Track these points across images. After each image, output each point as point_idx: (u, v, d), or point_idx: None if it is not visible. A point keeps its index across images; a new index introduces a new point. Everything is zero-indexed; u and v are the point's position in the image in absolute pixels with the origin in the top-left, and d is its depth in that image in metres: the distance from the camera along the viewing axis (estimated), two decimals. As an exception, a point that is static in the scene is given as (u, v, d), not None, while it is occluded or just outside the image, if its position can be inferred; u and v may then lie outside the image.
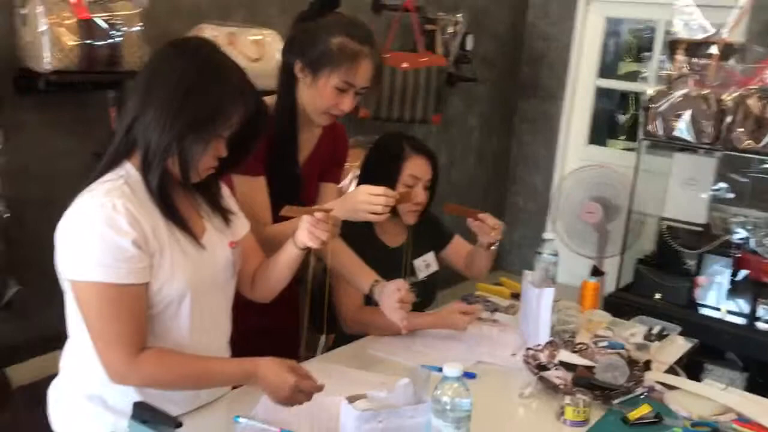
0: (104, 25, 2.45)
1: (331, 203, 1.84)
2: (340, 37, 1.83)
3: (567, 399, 1.72)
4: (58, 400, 1.60)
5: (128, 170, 1.49)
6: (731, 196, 3.35)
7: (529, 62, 5.00)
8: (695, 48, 3.14)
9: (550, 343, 2.03)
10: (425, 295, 2.32)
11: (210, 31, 2.83)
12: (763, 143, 2.91)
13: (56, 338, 1.60)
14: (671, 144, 3.22)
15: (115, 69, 2.51)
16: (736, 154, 3.09)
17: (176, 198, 1.53)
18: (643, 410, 1.75)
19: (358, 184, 2.15)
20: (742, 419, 1.76)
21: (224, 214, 1.66)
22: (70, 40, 2.37)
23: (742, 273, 3.19)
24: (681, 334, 2.35)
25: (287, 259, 1.70)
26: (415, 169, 2.17)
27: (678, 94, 3.05)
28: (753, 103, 2.89)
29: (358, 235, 2.11)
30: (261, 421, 1.57)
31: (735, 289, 3.22)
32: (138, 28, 2.53)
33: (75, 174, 1.50)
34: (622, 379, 1.85)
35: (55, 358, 1.62)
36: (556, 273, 2.27)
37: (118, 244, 1.39)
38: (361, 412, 1.39)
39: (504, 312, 2.41)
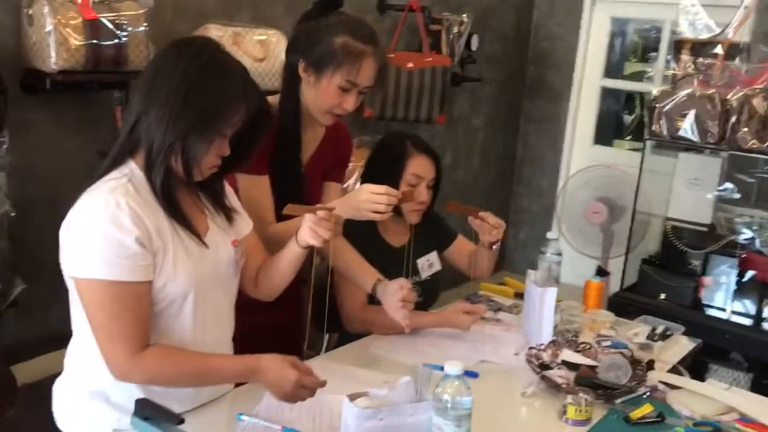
0: (110, 25, 2.45)
1: (334, 202, 1.85)
2: (343, 37, 1.84)
3: (569, 398, 1.72)
4: (63, 398, 1.62)
5: (132, 169, 1.50)
6: (737, 196, 3.35)
7: (534, 62, 4.99)
8: (700, 48, 3.13)
9: (552, 342, 2.03)
10: (428, 295, 2.33)
11: (215, 31, 2.83)
12: (768, 143, 2.91)
13: (62, 337, 1.61)
14: (676, 144, 3.22)
15: (120, 69, 2.51)
16: (741, 153, 3.09)
17: (180, 196, 1.54)
18: (646, 410, 1.75)
19: (362, 183, 2.15)
20: (745, 419, 1.75)
21: (227, 213, 1.67)
22: (76, 40, 2.37)
23: (748, 273, 3.19)
24: (685, 334, 2.35)
25: (290, 257, 1.70)
26: (418, 168, 2.18)
27: (682, 93, 3.05)
28: (758, 102, 2.88)
29: (361, 234, 2.12)
30: (263, 419, 1.58)
31: (740, 290, 3.21)
32: (143, 28, 2.54)
33: (81, 173, 1.51)
34: (625, 379, 1.85)
35: (60, 356, 1.63)
36: (559, 272, 2.28)
37: (121, 241, 1.40)
38: (362, 409, 1.40)
39: (507, 311, 2.41)
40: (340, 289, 2.17)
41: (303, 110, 1.95)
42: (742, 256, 3.19)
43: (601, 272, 3.89)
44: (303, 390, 1.51)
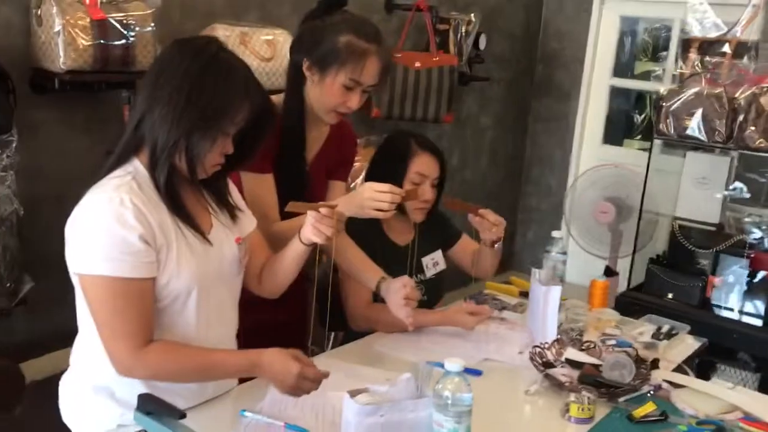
0: (118, 25, 2.48)
1: (337, 200, 1.86)
2: (347, 36, 1.85)
3: (572, 396, 1.72)
4: (68, 393, 1.63)
5: (136, 166, 1.52)
6: (746, 195, 3.33)
7: (543, 61, 4.99)
8: (708, 46, 3.12)
9: (557, 340, 2.03)
10: (432, 293, 2.33)
11: (222, 31, 2.85)
12: (775, 142, 2.89)
13: (70, 334, 1.63)
14: (683, 143, 3.20)
15: (128, 69, 2.54)
16: (749, 152, 3.07)
17: (183, 194, 1.55)
18: (649, 408, 1.74)
19: (366, 181, 2.16)
20: (749, 418, 1.75)
21: (231, 211, 1.68)
22: (84, 41, 2.40)
23: (756, 273, 3.17)
24: (692, 333, 2.34)
25: (293, 255, 1.71)
26: (422, 166, 2.18)
27: (690, 92, 3.03)
28: (765, 101, 2.87)
29: (366, 232, 2.13)
30: (266, 416, 1.59)
31: (749, 289, 3.19)
32: (151, 28, 2.56)
33: (89, 172, 1.53)
34: (629, 377, 1.85)
35: (69, 354, 1.64)
36: (564, 271, 2.28)
37: (125, 238, 1.41)
38: (362, 405, 1.40)
39: (512, 310, 2.41)
40: (344, 287, 2.18)
41: (307, 109, 1.96)
42: (751, 255, 3.17)
43: (610, 272, 3.88)
44: (306, 382, 1.52)
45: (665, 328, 2.27)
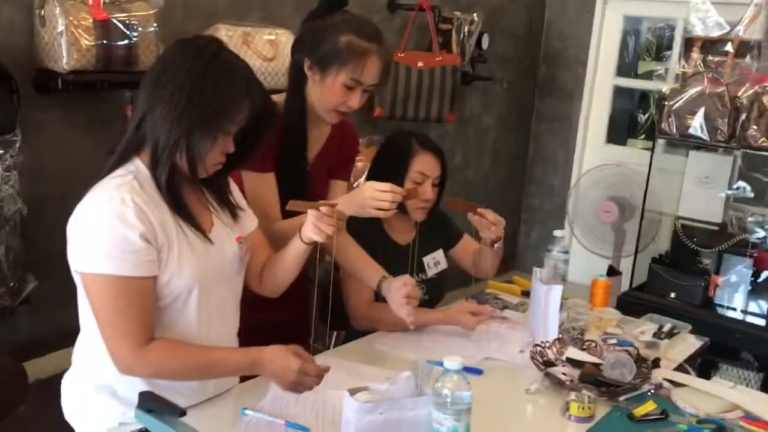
0: (121, 25, 2.48)
1: (338, 199, 1.87)
2: (347, 35, 1.85)
3: (572, 395, 1.72)
4: (70, 392, 1.64)
5: (138, 166, 1.53)
6: (750, 195, 3.33)
7: (546, 61, 4.98)
8: (711, 45, 3.12)
9: (558, 339, 2.03)
10: (434, 293, 2.34)
11: (225, 31, 2.86)
12: (778, 141, 2.89)
13: (74, 334, 1.64)
14: (685, 142, 3.20)
15: (131, 69, 2.54)
16: (752, 152, 3.07)
17: (184, 193, 1.56)
18: (649, 407, 1.75)
19: (368, 180, 2.17)
20: (750, 417, 1.75)
21: (232, 210, 1.69)
22: (87, 41, 2.40)
23: (760, 272, 3.17)
24: (695, 333, 2.34)
25: (294, 253, 1.72)
26: (423, 165, 2.19)
27: (692, 91, 3.03)
28: (768, 100, 2.87)
29: (367, 231, 2.14)
30: (267, 414, 1.60)
31: (752, 289, 3.19)
32: (154, 28, 2.56)
33: (92, 172, 1.54)
34: (630, 376, 1.85)
35: (71, 353, 1.65)
36: (566, 270, 2.28)
37: (125, 237, 1.42)
38: (362, 403, 1.41)
39: (514, 309, 2.41)
40: (345, 286, 2.19)
41: (309, 109, 1.97)
42: (754, 255, 3.17)
43: (612, 271, 3.88)
44: (307, 378, 1.53)
45: (666, 328, 2.27)
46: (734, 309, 3.22)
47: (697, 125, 3.02)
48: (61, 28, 2.37)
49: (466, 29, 3.96)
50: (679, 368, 2.06)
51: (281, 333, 1.84)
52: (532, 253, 5.05)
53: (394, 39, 3.77)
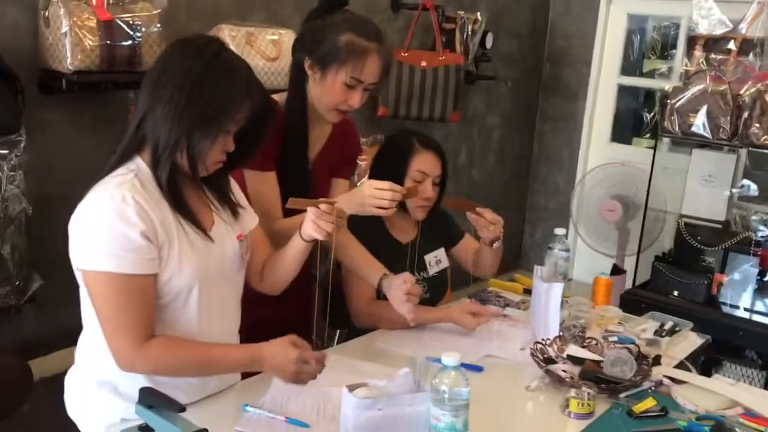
0: (124, 26, 2.50)
1: (339, 198, 1.88)
2: (347, 34, 1.87)
3: (572, 392, 1.73)
4: (73, 388, 1.66)
5: (139, 164, 1.54)
6: (754, 193, 3.32)
7: (550, 60, 4.98)
8: (713, 44, 3.11)
9: (559, 337, 2.04)
10: (435, 291, 2.34)
11: (228, 32, 2.87)
12: (781, 139, 2.88)
13: (78, 332, 1.65)
14: (688, 140, 3.20)
15: (135, 69, 2.55)
16: (756, 150, 3.06)
17: (185, 191, 1.58)
18: (649, 403, 1.75)
19: (369, 179, 2.18)
20: (750, 414, 1.75)
21: (233, 208, 1.70)
22: (91, 41, 2.42)
23: (766, 271, 3.16)
24: (698, 331, 2.34)
25: (294, 251, 1.73)
26: (423, 164, 2.20)
27: (694, 90, 3.03)
28: (770, 98, 2.86)
29: (368, 230, 2.15)
30: (268, 410, 1.61)
31: (759, 288, 3.19)
32: (157, 28, 2.58)
33: (96, 172, 1.56)
34: (630, 374, 1.86)
35: (76, 351, 1.67)
36: (567, 268, 2.29)
37: (126, 235, 1.43)
38: (360, 399, 1.42)
39: (515, 307, 2.42)
40: (346, 284, 2.20)
41: (310, 107, 1.98)
42: (758, 253, 3.16)
43: (617, 270, 3.88)
44: (307, 366, 1.54)
45: (668, 325, 2.28)
46: (737, 307, 3.21)
47: (699, 123, 3.02)
48: (65, 28, 2.38)
49: (469, 28, 3.96)
50: (680, 366, 2.06)
51: (282, 330, 1.84)
52: (537, 251, 5.04)
53: (397, 38, 3.78)
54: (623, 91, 4.90)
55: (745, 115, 2.92)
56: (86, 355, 1.62)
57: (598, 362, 1.92)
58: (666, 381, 1.89)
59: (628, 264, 3.88)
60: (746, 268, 3.20)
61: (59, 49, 2.42)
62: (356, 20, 1.92)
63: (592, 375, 1.85)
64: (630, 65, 4.89)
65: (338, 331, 2.55)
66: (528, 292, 2.47)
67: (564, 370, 1.88)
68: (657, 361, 2.01)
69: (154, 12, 2.60)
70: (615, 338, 2.10)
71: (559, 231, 2.27)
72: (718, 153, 3.28)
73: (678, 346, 2.19)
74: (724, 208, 3.26)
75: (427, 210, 2.25)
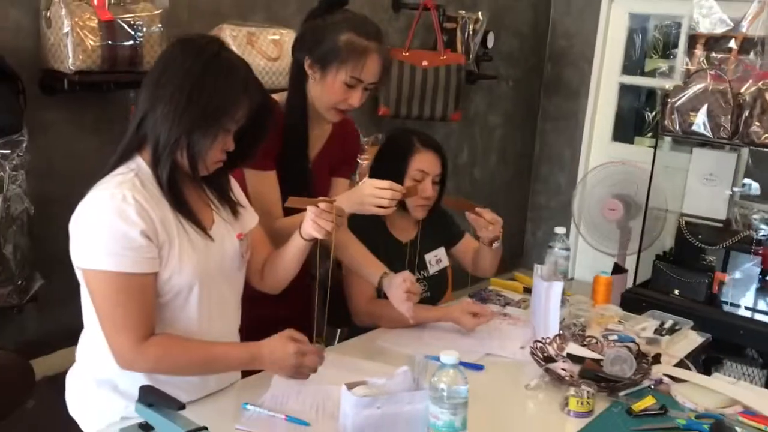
0: (126, 26, 2.51)
1: (338, 197, 1.88)
2: (347, 34, 1.87)
3: (571, 390, 1.73)
4: (74, 387, 1.67)
5: (139, 164, 1.55)
6: (756, 192, 3.33)
7: (551, 60, 4.99)
8: (714, 42, 3.12)
9: (558, 335, 2.04)
10: (436, 290, 2.35)
11: (230, 32, 2.88)
12: (781, 138, 2.88)
13: (80, 331, 1.66)
14: (688, 139, 3.21)
15: (136, 69, 2.56)
16: (758, 149, 3.06)
17: (185, 190, 1.58)
18: (648, 402, 1.75)
19: (370, 178, 2.18)
20: (749, 412, 1.75)
21: (233, 207, 1.71)
22: (93, 41, 2.43)
23: (765, 269, 3.17)
24: (699, 329, 2.34)
25: (294, 250, 1.74)
26: (423, 163, 2.20)
27: (695, 88, 3.03)
28: (771, 97, 2.86)
29: (369, 229, 2.16)
30: (268, 409, 1.62)
31: (757, 286, 3.19)
32: (158, 28, 2.58)
33: (98, 172, 1.57)
34: (630, 372, 1.86)
35: (77, 350, 1.68)
36: (567, 267, 2.29)
37: (126, 233, 1.44)
38: (359, 397, 1.42)
39: (515, 306, 2.42)
40: (347, 283, 2.21)
41: (310, 107, 1.99)
42: (759, 252, 3.16)
43: (618, 269, 3.88)
44: (306, 358, 1.55)
45: (668, 324, 2.28)
46: (737, 305, 3.21)
47: (700, 122, 3.02)
48: (66, 29, 2.39)
49: (470, 28, 3.97)
50: (680, 364, 2.06)
51: (282, 329, 1.85)
52: (538, 251, 5.04)
53: (398, 38, 3.79)
54: (625, 90, 4.90)
55: (746, 113, 2.92)
56: (87, 353, 1.63)
57: (597, 361, 1.93)
58: (666, 379, 1.89)
59: (630, 263, 3.88)
60: (748, 267, 3.21)
61: (61, 50, 2.42)
62: (356, 19, 1.92)
63: (592, 373, 1.85)
64: (632, 64, 4.89)
65: (339, 330, 2.55)
66: (528, 291, 2.47)
67: (564, 369, 1.88)
68: (657, 359, 2.01)
69: (156, 12, 2.61)
70: (615, 337, 2.11)
71: (560, 230, 2.28)
72: (719, 152, 3.28)
73: (678, 345, 2.20)
74: (725, 206, 3.26)
75: (426, 209, 2.25)
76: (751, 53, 3.02)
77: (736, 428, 1.67)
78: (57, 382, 1.75)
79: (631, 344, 2.01)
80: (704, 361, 2.30)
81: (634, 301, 3.10)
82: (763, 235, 3.20)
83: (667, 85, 3.22)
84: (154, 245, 1.48)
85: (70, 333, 1.73)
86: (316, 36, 1.91)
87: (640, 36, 4.97)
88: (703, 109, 3.01)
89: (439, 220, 2.38)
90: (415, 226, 2.33)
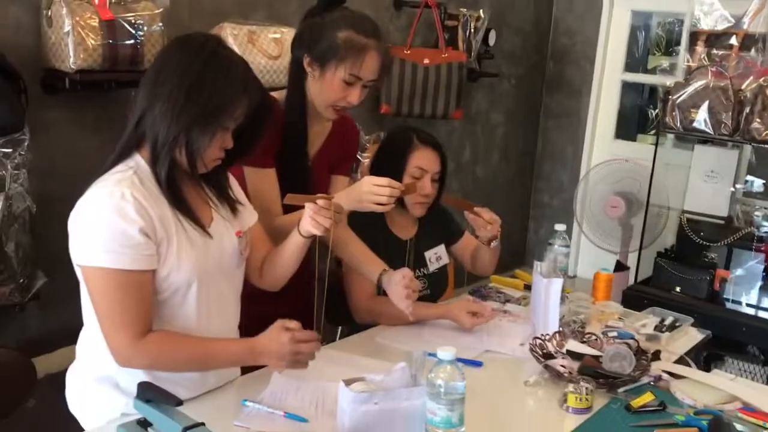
0: (127, 25, 2.51)
1: (337, 194, 1.89)
2: (346, 31, 1.87)
3: (570, 387, 1.73)
4: (75, 384, 1.68)
5: (138, 162, 1.55)
6: (758, 189, 3.32)
7: (554, 57, 4.98)
8: (715, 39, 3.11)
9: (558, 332, 2.04)
10: (435, 287, 2.35)
11: (231, 30, 2.88)
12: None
13: (82, 329, 1.67)
14: (689, 136, 3.20)
15: (137, 68, 2.57)
16: (761, 146, 3.06)
17: (184, 188, 1.59)
18: (647, 398, 1.75)
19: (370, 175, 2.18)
20: (748, 408, 1.75)
21: (231, 204, 1.71)
22: (94, 40, 2.43)
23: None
24: (701, 326, 2.34)
25: (293, 247, 1.74)
26: (422, 160, 2.20)
27: (696, 85, 3.03)
28: (772, 93, 2.86)
29: (369, 226, 2.16)
30: (267, 405, 1.62)
31: (761, 283, 3.18)
32: (159, 27, 2.59)
33: (99, 170, 1.58)
34: (629, 369, 1.86)
35: (79, 347, 1.68)
36: (567, 264, 2.29)
37: (125, 231, 1.45)
38: (357, 393, 1.43)
39: (516, 303, 2.43)
40: (347, 280, 2.21)
41: (309, 104, 1.99)
42: (761, 248, 3.16)
43: (620, 267, 3.88)
44: (302, 344, 1.56)
45: (668, 321, 2.28)
46: (739, 302, 3.21)
47: (701, 119, 3.02)
48: (67, 28, 2.40)
49: (472, 26, 3.96)
50: (680, 361, 2.06)
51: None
52: (541, 249, 5.02)
53: (400, 36, 3.79)
54: (627, 87, 4.90)
55: (747, 110, 2.92)
56: (87, 351, 1.64)
57: (597, 357, 1.93)
58: (665, 376, 1.89)
59: (632, 260, 3.88)
60: (752, 265, 3.20)
61: (62, 49, 2.43)
62: (354, 17, 1.92)
63: (591, 370, 1.85)
64: (635, 62, 4.89)
65: (339, 328, 2.56)
66: (528, 288, 2.47)
67: (563, 365, 1.88)
68: (656, 356, 2.01)
69: (157, 11, 2.61)
70: (614, 333, 2.10)
71: (559, 227, 2.28)
72: (721, 149, 3.28)
73: (678, 342, 2.20)
74: (727, 203, 3.26)
75: (425, 207, 2.25)
76: (752, 50, 3.02)
77: (735, 424, 1.67)
78: (58, 380, 1.76)
79: (630, 341, 2.01)
80: (705, 358, 2.30)
81: (635, 299, 3.10)
82: (766, 232, 3.20)
83: (669, 82, 3.21)
84: (152, 243, 1.49)
85: (71, 331, 1.74)
86: (314, 34, 1.91)
87: (643, 33, 4.96)
88: (704, 106, 3.01)
89: (439, 218, 2.38)
90: (415, 223, 2.33)
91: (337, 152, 2.14)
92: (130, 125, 1.57)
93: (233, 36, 2.86)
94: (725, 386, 1.85)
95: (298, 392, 1.68)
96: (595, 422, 1.69)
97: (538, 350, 1.95)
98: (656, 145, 3.45)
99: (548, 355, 1.95)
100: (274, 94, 1.94)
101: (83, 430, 1.62)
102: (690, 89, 3.06)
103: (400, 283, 1.93)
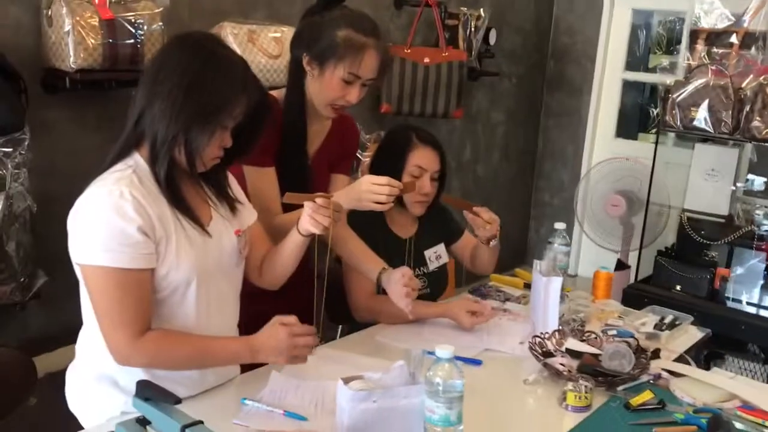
0: (127, 24, 2.52)
1: (337, 193, 1.89)
2: (345, 30, 1.88)
3: (569, 385, 1.73)
4: (74, 382, 1.68)
5: (137, 160, 1.56)
6: (759, 188, 3.32)
7: (554, 56, 4.98)
8: (716, 37, 3.11)
9: (558, 331, 2.04)
10: (435, 286, 2.35)
11: (231, 29, 2.88)
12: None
13: (82, 328, 1.67)
14: (689, 134, 3.20)
15: (137, 67, 2.57)
16: (761, 144, 3.06)
17: (183, 187, 1.59)
18: (646, 396, 1.75)
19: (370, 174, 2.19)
20: (748, 407, 1.75)
21: (231, 203, 1.71)
22: (94, 40, 2.44)
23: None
24: (701, 325, 2.34)
25: (292, 246, 1.75)
26: (421, 159, 2.20)
27: (696, 83, 3.02)
28: (772, 91, 2.86)
29: (368, 225, 2.16)
30: (267, 404, 1.62)
31: (762, 282, 3.18)
32: (159, 26, 2.59)
33: (99, 170, 1.58)
34: (628, 367, 1.86)
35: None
36: (567, 263, 2.29)
37: (123, 230, 1.45)
38: (355, 392, 1.43)
39: (515, 302, 2.43)
40: (347, 279, 2.21)
41: (308, 103, 1.99)
42: (762, 247, 3.16)
43: (621, 265, 3.88)
44: (299, 338, 1.57)
45: (668, 319, 2.28)
46: (739, 301, 3.21)
47: (701, 117, 3.02)
48: (67, 27, 2.40)
49: (472, 25, 3.96)
50: (680, 359, 2.06)
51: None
52: (542, 248, 5.02)
53: (400, 35, 3.79)
54: (628, 86, 4.89)
55: (747, 108, 2.92)
56: (86, 349, 1.64)
57: (596, 356, 1.93)
58: (664, 374, 1.89)
59: (633, 259, 3.88)
60: (753, 263, 3.20)
61: (62, 48, 2.44)
62: (353, 16, 1.92)
63: (590, 368, 1.85)
64: (635, 60, 4.88)
65: (340, 326, 2.56)
66: (528, 286, 2.47)
67: (562, 364, 1.88)
68: (656, 354, 2.01)
69: (157, 10, 2.61)
70: (614, 332, 2.10)
71: (559, 225, 2.28)
72: (721, 147, 3.28)
73: (678, 340, 2.20)
74: (727, 202, 3.25)
75: (425, 205, 2.25)
76: (753, 48, 3.01)
77: (734, 422, 1.67)
78: (59, 379, 1.76)
79: (630, 339, 2.01)
80: (706, 356, 2.29)
81: (635, 297, 3.10)
82: (766, 231, 3.19)
83: (669, 80, 3.21)
84: (151, 241, 1.49)
85: (72, 330, 1.74)
86: (313, 33, 1.91)
87: (644, 32, 4.96)
88: (704, 105, 3.00)
89: (438, 217, 2.38)
90: (415, 222, 2.33)
91: (336, 151, 2.14)
92: (128, 124, 1.57)
93: (233, 35, 2.86)
94: (725, 384, 1.85)
95: (297, 391, 1.69)
96: (595, 420, 1.69)
97: (537, 349, 1.95)
98: (657, 143, 3.45)
99: (548, 354, 1.95)
100: (273, 93, 1.95)
101: (83, 428, 1.63)
102: (690, 88, 3.06)
103: (399, 282, 1.93)
